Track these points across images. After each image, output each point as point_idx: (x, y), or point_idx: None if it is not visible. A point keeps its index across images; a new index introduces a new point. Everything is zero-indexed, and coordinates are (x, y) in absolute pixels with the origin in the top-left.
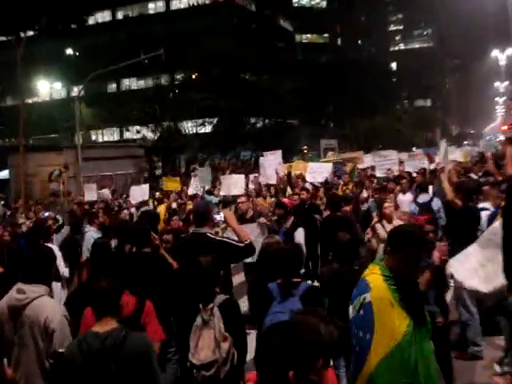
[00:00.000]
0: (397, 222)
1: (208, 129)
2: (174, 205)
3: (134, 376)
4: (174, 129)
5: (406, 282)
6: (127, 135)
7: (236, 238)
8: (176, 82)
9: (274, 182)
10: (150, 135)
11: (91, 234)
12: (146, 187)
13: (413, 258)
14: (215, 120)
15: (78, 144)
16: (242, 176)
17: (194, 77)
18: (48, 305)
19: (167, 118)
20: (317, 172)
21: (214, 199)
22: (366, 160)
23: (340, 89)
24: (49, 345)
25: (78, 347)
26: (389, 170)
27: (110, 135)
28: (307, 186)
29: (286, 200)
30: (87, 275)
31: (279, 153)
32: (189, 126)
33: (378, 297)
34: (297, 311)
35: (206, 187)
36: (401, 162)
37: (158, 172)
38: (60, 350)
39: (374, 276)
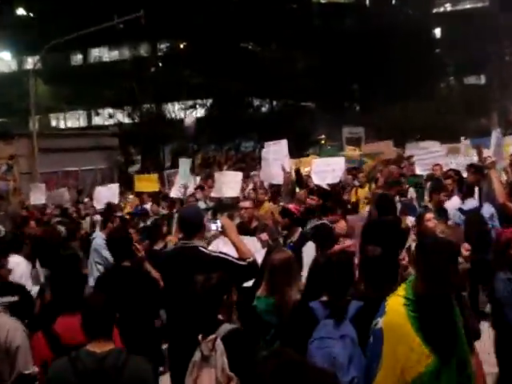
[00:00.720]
0: None
1: (200, 113)
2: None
3: None
4: (156, 113)
5: (434, 306)
6: (97, 120)
7: (233, 254)
8: (159, 54)
9: (278, 181)
10: (126, 120)
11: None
12: (115, 187)
13: (441, 275)
14: (209, 102)
15: (34, 131)
16: (239, 174)
17: (181, 47)
18: (7, 321)
19: (148, 99)
20: (325, 171)
21: (201, 205)
22: (398, 152)
23: (368, 63)
24: (11, 366)
25: (71, 366)
26: (437, 165)
27: (74, 120)
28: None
29: (291, 206)
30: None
31: (284, 143)
32: (176, 110)
33: (390, 323)
34: None
35: (190, 188)
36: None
37: (136, 167)
38: (25, 372)
39: (394, 298)
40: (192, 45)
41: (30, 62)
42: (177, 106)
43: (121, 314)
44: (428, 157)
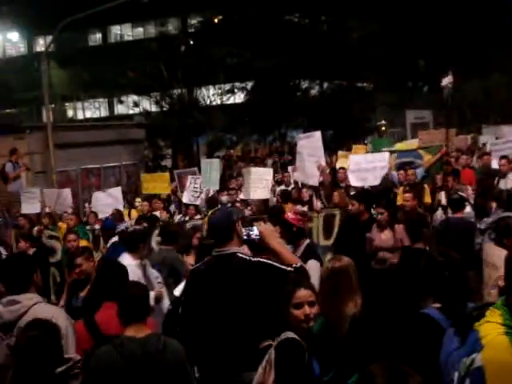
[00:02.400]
0: None
1: (239, 98)
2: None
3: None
4: (188, 99)
5: None
6: (120, 110)
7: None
8: (190, 30)
9: (314, 183)
10: (153, 109)
11: None
12: (117, 192)
13: None
14: (249, 85)
15: (49, 123)
16: (269, 170)
17: (216, 21)
18: (50, 310)
19: (178, 84)
20: (366, 169)
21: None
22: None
23: (435, 32)
24: None
25: (117, 352)
26: (503, 158)
27: (94, 110)
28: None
29: (290, 215)
30: None
31: (318, 135)
32: (211, 95)
33: (493, 359)
34: None
35: (211, 191)
36: None
37: (167, 163)
38: (65, 356)
39: (490, 326)
40: (228, 19)
41: (42, 44)
42: (212, 90)
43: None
44: (504, 146)
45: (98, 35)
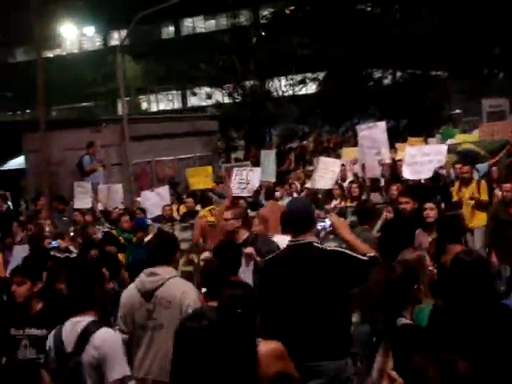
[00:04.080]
0: None
1: (311, 89)
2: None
3: None
4: (260, 90)
5: None
6: (193, 102)
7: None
8: (262, 21)
9: (374, 175)
10: (225, 101)
11: None
12: (164, 191)
13: None
14: (321, 76)
15: (124, 116)
16: (337, 161)
17: (287, 12)
18: (183, 283)
19: (251, 75)
20: (421, 163)
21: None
22: None
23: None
24: None
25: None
26: None
27: (168, 102)
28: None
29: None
30: None
31: (382, 126)
32: (283, 86)
33: None
34: None
35: (263, 179)
36: None
37: (238, 155)
38: None
39: None
40: (300, 9)
41: (117, 38)
42: (284, 81)
43: None
44: None
45: (171, 28)
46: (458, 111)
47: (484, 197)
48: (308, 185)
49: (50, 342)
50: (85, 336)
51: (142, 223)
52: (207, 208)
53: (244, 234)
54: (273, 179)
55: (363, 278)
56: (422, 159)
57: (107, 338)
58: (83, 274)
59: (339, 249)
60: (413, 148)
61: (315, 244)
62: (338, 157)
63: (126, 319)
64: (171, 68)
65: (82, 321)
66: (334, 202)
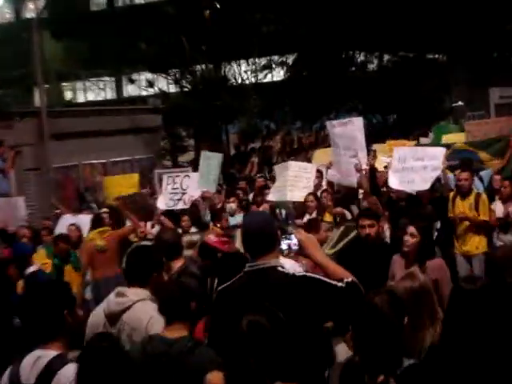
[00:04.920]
0: None
1: (278, 76)
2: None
3: None
4: (215, 77)
5: None
6: (130, 91)
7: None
8: None
9: (350, 183)
10: (171, 90)
11: None
12: (19, 202)
13: None
14: (291, 59)
15: (43, 108)
16: (311, 165)
17: None
18: (153, 308)
19: (203, 58)
20: (412, 169)
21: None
22: None
23: None
24: None
25: (142, 348)
26: None
27: (98, 91)
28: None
29: (212, 239)
30: None
31: (358, 123)
32: (243, 72)
33: None
34: None
35: (201, 188)
36: None
37: (187, 157)
38: None
39: None
40: None
41: (32, 9)
42: (244, 66)
43: None
44: None
45: None
46: (460, 103)
47: (484, 215)
48: (270, 197)
49: (4, 381)
50: (48, 374)
51: (23, 250)
52: (97, 230)
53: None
54: (213, 189)
55: (340, 310)
56: (415, 164)
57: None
58: (53, 297)
59: (311, 275)
60: (402, 150)
61: (280, 269)
62: (310, 160)
63: None
64: (102, 48)
65: (44, 355)
66: (308, 217)
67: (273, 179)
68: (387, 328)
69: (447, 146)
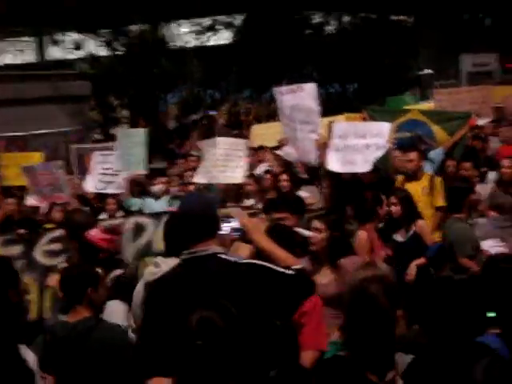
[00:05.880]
0: None
1: (224, 38)
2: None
3: (100, 368)
4: (152, 39)
5: None
6: (54, 53)
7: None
8: None
9: (311, 160)
10: (102, 53)
11: None
12: None
13: None
14: (238, 20)
15: None
16: (242, 142)
17: None
18: (120, 307)
19: (138, 16)
20: (354, 147)
21: (133, 202)
22: None
23: None
24: None
25: (43, 336)
26: None
27: (15, 53)
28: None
29: (96, 236)
30: None
31: (310, 89)
32: (183, 33)
33: None
34: None
35: (127, 171)
36: None
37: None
38: None
39: None
40: None
41: None
42: (185, 27)
43: None
44: None
45: None
46: (428, 71)
47: (438, 201)
48: (197, 179)
49: None
50: None
51: None
52: None
53: None
54: (143, 170)
55: (290, 300)
56: (356, 142)
57: None
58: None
59: (256, 262)
60: (341, 125)
61: (221, 256)
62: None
63: None
64: (20, 2)
65: None
66: (248, 202)
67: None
68: (383, 320)
69: (403, 111)
